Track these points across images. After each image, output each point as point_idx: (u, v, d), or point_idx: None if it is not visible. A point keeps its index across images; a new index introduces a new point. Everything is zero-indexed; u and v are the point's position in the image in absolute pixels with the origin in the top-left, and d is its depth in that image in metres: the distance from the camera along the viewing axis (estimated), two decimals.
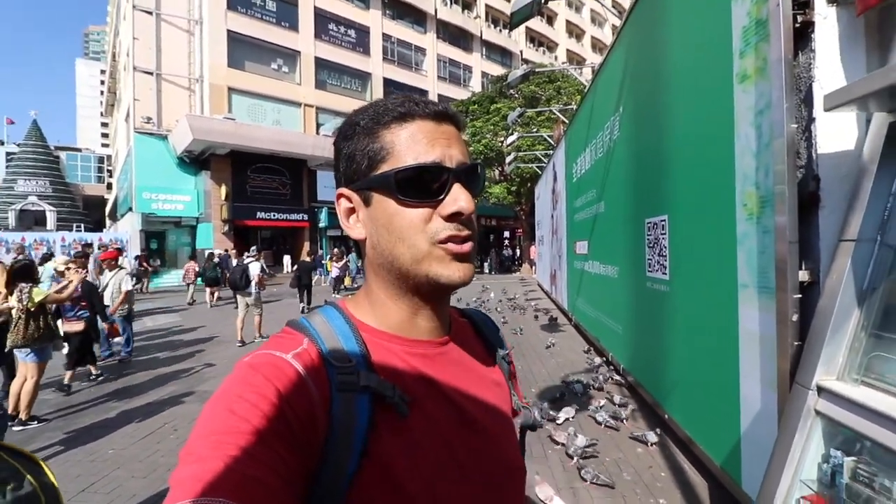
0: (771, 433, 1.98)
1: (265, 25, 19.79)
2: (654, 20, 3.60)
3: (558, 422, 3.68)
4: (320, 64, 21.65)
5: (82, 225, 25.61)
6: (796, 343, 1.82)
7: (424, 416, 0.53)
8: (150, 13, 17.66)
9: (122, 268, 6.11)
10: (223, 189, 17.61)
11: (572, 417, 3.73)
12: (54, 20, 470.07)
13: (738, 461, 2.29)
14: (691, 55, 2.93)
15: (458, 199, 0.52)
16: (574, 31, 37.16)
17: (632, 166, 4.28)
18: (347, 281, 14.42)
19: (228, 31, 18.62)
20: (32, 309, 3.78)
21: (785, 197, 1.87)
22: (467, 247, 0.53)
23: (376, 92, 23.59)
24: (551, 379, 4.96)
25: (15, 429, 3.76)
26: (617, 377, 4.78)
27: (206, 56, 18.19)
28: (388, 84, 24.17)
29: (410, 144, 0.53)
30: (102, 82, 54.47)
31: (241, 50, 19.11)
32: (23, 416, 3.84)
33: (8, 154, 37.81)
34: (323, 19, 21.78)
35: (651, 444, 3.24)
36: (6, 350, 3.80)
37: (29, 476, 1.26)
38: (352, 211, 0.58)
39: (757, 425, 2.15)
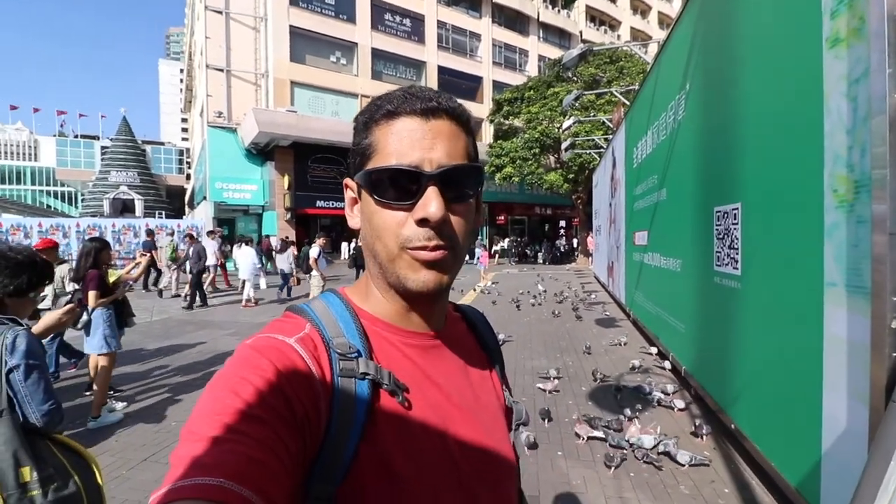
0: (859, 454, 1.71)
1: (324, 19, 20.32)
2: None
3: (607, 424, 3.48)
4: (376, 54, 21.94)
5: (163, 212, 27.96)
6: (895, 354, 1.54)
7: (419, 406, 0.54)
8: (220, 13, 18.67)
9: (64, 261, 5.27)
10: (286, 179, 18.44)
11: (630, 420, 3.50)
12: (139, 23, 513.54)
13: (818, 483, 2.01)
14: (770, 20, 2.57)
15: (428, 205, 0.50)
16: (639, 7, 34.94)
17: (699, 149, 3.90)
18: None
19: (290, 26, 19.30)
20: (123, 293, 4.17)
21: (886, 181, 1.57)
22: (437, 254, 0.52)
23: (430, 80, 23.56)
24: (605, 378, 4.71)
25: (86, 393, 4.23)
26: (666, 373, 4.45)
27: (270, 52, 19.02)
28: (443, 72, 24.06)
29: (392, 144, 0.52)
30: (181, 80, 58.79)
31: (302, 44, 19.77)
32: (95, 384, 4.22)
33: (103, 148, 42.00)
34: (379, 10, 22.00)
35: (684, 465, 2.83)
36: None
37: (76, 476, 1.30)
38: (354, 201, 0.59)
39: (842, 444, 1.87)
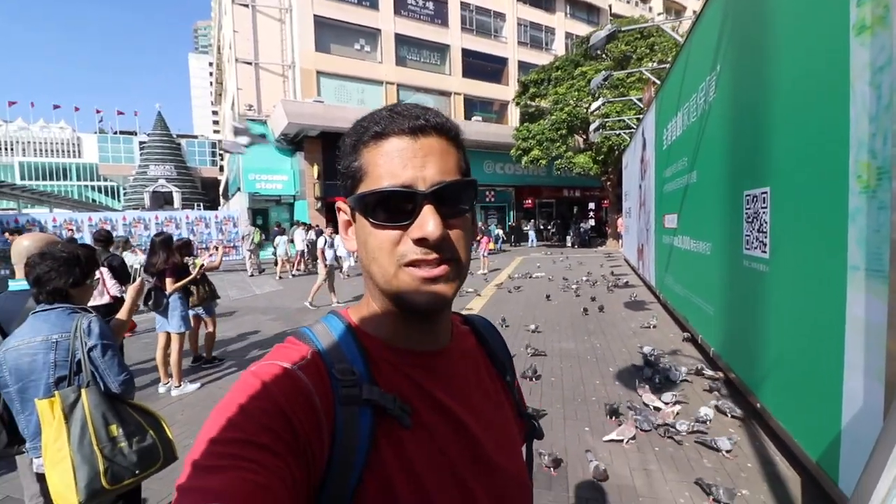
0: (875, 430, 1.81)
1: (347, 7, 20.40)
2: None
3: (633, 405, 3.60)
4: (400, 40, 21.90)
5: (201, 204, 29.06)
6: None
7: (424, 429, 0.53)
8: (246, 6, 19.02)
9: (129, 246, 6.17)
10: (315, 168, 18.86)
11: (662, 403, 3.62)
12: (167, 16, 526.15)
13: (837, 458, 2.10)
14: (799, 5, 2.57)
15: (426, 224, 0.49)
16: None
17: (730, 132, 3.89)
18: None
19: (315, 16, 19.47)
20: (198, 277, 4.70)
21: None
22: (438, 270, 0.51)
23: (455, 64, 23.38)
24: (633, 359, 4.81)
25: (204, 366, 5.02)
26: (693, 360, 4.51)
27: (296, 42, 19.29)
28: (467, 55, 23.80)
29: (384, 165, 0.51)
30: (211, 74, 60.23)
31: (327, 33, 19.94)
32: (206, 355, 5.09)
33: (141, 143, 43.79)
34: None
35: (725, 453, 2.83)
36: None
37: (151, 431, 1.59)
38: (348, 224, 0.59)
39: (860, 420, 1.96)
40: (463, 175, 0.55)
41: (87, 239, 14.13)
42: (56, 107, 70.29)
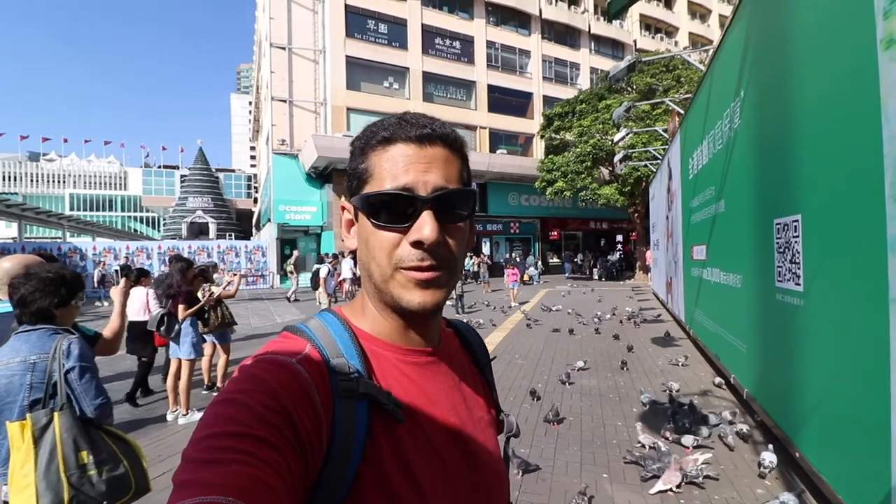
0: None
1: (378, 48, 21.36)
2: None
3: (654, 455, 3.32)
4: (427, 78, 22.66)
5: (233, 234, 30.09)
6: None
7: (416, 424, 0.54)
8: (283, 48, 20.19)
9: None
10: (343, 200, 19.29)
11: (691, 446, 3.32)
12: (214, 61, 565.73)
13: None
14: (823, 22, 2.45)
15: (423, 228, 0.51)
16: (697, 12, 33.57)
17: (756, 158, 3.71)
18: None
19: (347, 56, 20.47)
20: (213, 304, 4.74)
21: None
22: (430, 274, 0.53)
23: (480, 99, 23.91)
24: (658, 399, 4.50)
25: (214, 393, 4.85)
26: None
27: (328, 81, 20.23)
28: (492, 90, 24.35)
29: (388, 168, 0.54)
30: (250, 112, 63.71)
31: (358, 72, 20.87)
32: (219, 384, 4.95)
33: (182, 177, 46.19)
34: (429, 35, 22.79)
35: None
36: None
37: (124, 460, 1.51)
38: (351, 223, 0.61)
39: None
40: (464, 185, 0.57)
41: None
42: (107, 143, 76.05)
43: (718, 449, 3.33)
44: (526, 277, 20.80)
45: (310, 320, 0.59)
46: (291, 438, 0.44)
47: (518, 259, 20.90)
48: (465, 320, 0.89)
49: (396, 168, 0.53)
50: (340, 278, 14.58)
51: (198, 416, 4.25)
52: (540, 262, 22.88)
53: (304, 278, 15.80)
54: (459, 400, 0.62)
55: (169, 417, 4.25)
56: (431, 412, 0.57)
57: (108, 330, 1.88)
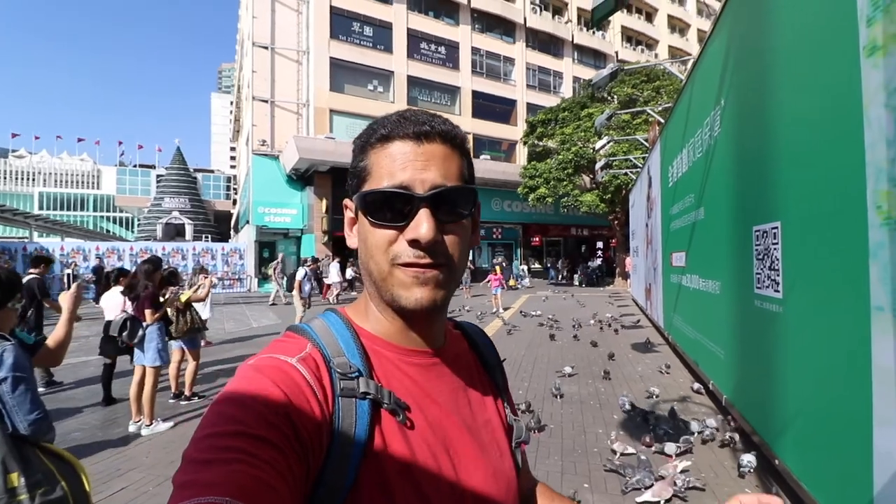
0: None
1: (362, 50, 21.22)
2: None
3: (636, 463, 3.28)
4: (412, 82, 22.62)
5: (210, 236, 29.41)
6: None
7: (418, 425, 0.54)
8: (266, 48, 19.89)
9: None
10: (324, 203, 19.05)
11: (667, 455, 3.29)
12: (194, 59, 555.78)
13: None
14: (805, 30, 2.47)
15: (419, 226, 0.51)
16: (677, 26, 34.45)
17: (736, 166, 3.74)
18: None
19: (331, 58, 20.26)
20: (181, 307, 4.51)
21: None
22: (429, 272, 0.53)
23: (465, 105, 23.98)
24: (638, 406, 4.48)
25: (182, 402, 4.73)
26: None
27: (311, 82, 19.99)
28: (477, 96, 24.45)
29: (386, 166, 0.54)
30: (231, 112, 62.73)
31: (342, 74, 20.67)
32: (187, 392, 4.80)
33: (158, 176, 45.04)
34: (415, 39, 22.77)
35: None
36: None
37: (63, 482, 1.35)
38: (353, 221, 0.61)
39: (895, 485, 1.68)
40: (465, 183, 0.56)
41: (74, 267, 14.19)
42: (80, 140, 73.48)
43: (700, 457, 3.31)
44: (513, 282, 20.98)
45: (313, 320, 0.58)
46: (292, 438, 0.43)
47: (504, 264, 21.04)
48: None
49: (394, 166, 0.53)
50: (328, 282, 14.76)
51: (163, 426, 4.04)
52: (526, 268, 23.07)
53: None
54: (464, 402, 0.61)
55: (132, 428, 4.02)
56: (434, 413, 0.56)
57: (51, 339, 1.73)
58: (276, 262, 15.60)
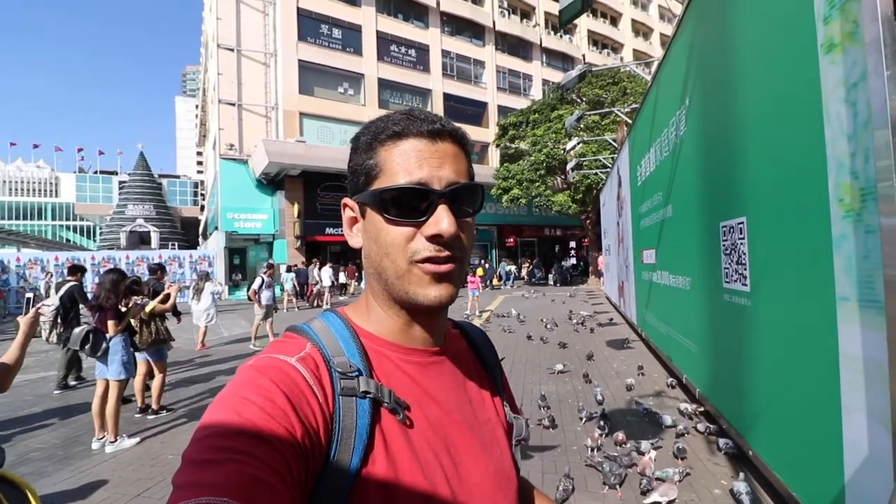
0: (884, 482, 1.57)
1: (332, 52, 20.95)
2: None
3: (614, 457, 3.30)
4: (383, 84, 22.46)
5: (177, 243, 28.42)
6: None
7: (419, 424, 0.54)
8: (232, 50, 19.39)
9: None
10: (295, 207, 18.69)
11: (645, 452, 3.32)
12: (157, 61, 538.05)
13: None
14: (765, 30, 2.54)
15: (440, 221, 0.52)
16: (641, 30, 35.50)
17: (701, 164, 3.83)
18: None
19: (299, 60, 19.91)
20: (145, 318, 4.34)
21: (894, 187, 1.48)
22: (446, 267, 0.53)
23: (436, 107, 23.97)
24: (615, 403, 4.53)
25: (149, 417, 4.53)
26: (687, 404, 4.25)
27: (280, 85, 19.58)
28: (448, 98, 24.49)
29: (401, 163, 0.53)
30: (197, 116, 60.97)
31: (311, 77, 20.34)
32: (154, 406, 4.59)
33: (121, 183, 43.29)
34: (385, 42, 22.64)
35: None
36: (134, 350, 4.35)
37: None
38: (354, 221, 0.60)
39: (865, 472, 1.72)
40: (471, 180, 0.58)
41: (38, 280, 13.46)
42: (36, 146, 69.75)
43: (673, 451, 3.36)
44: (496, 281, 21.17)
45: (313, 321, 0.58)
46: (292, 437, 0.43)
47: (487, 265, 21.16)
48: None
49: (409, 163, 0.53)
50: (318, 286, 14.94)
51: (129, 442, 3.83)
52: (514, 269, 23.27)
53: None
54: (465, 400, 0.61)
55: (95, 445, 3.80)
56: (434, 411, 0.56)
57: (3, 359, 1.59)
58: (263, 269, 15.15)
